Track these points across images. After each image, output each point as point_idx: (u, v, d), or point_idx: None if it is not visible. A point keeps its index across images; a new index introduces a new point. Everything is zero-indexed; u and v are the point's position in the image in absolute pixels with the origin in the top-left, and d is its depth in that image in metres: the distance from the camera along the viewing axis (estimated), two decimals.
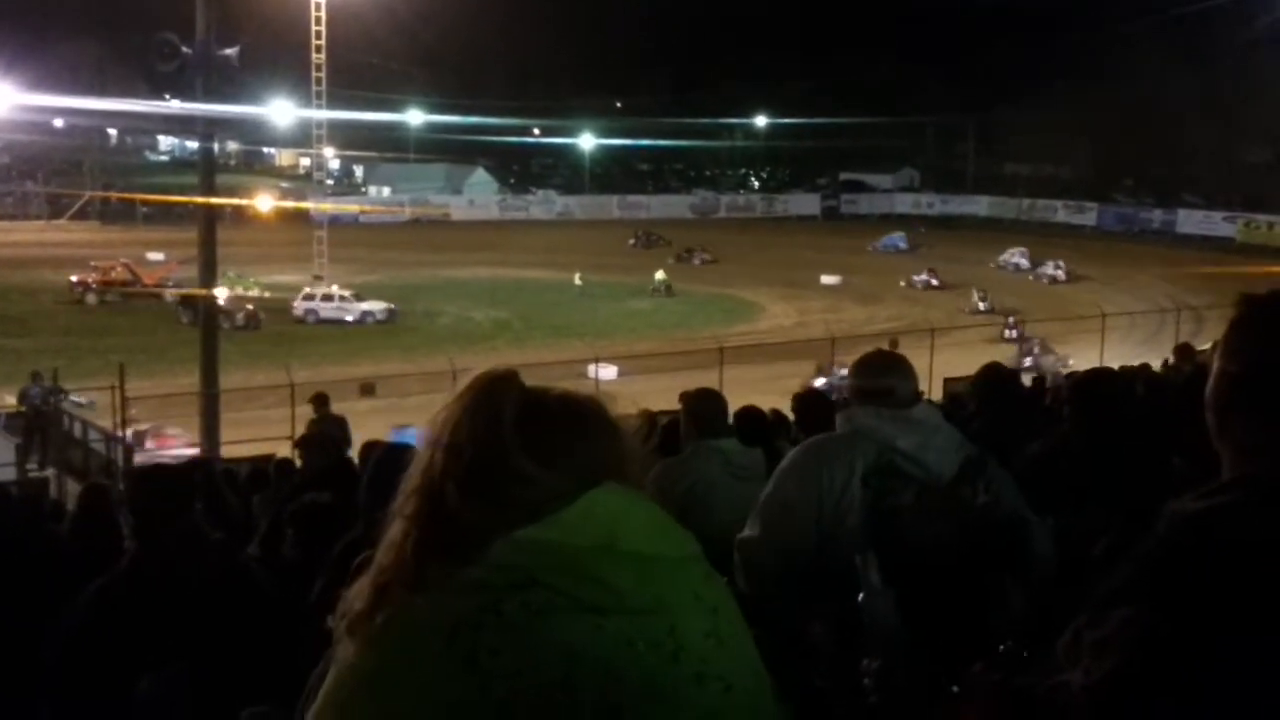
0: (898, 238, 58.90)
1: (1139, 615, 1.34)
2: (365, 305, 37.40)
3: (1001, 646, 2.21)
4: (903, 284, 44.16)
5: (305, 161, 64.41)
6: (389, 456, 3.76)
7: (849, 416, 2.90)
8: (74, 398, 19.78)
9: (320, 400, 12.90)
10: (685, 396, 4.69)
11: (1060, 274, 47.70)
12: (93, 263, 40.50)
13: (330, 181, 57.13)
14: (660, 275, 43.84)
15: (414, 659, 1.25)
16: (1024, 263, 50.68)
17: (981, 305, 38.56)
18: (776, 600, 2.68)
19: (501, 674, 1.20)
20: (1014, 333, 32.80)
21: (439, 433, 1.36)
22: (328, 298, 37.37)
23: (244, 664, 3.17)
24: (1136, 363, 13.17)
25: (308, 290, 37.94)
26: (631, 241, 56.88)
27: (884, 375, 2.97)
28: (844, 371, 24.39)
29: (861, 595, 2.09)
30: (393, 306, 37.74)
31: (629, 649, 1.23)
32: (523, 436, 1.33)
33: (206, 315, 20.45)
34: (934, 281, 44.13)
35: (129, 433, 18.66)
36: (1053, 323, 33.06)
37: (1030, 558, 2.78)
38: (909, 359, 3.27)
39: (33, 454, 18.05)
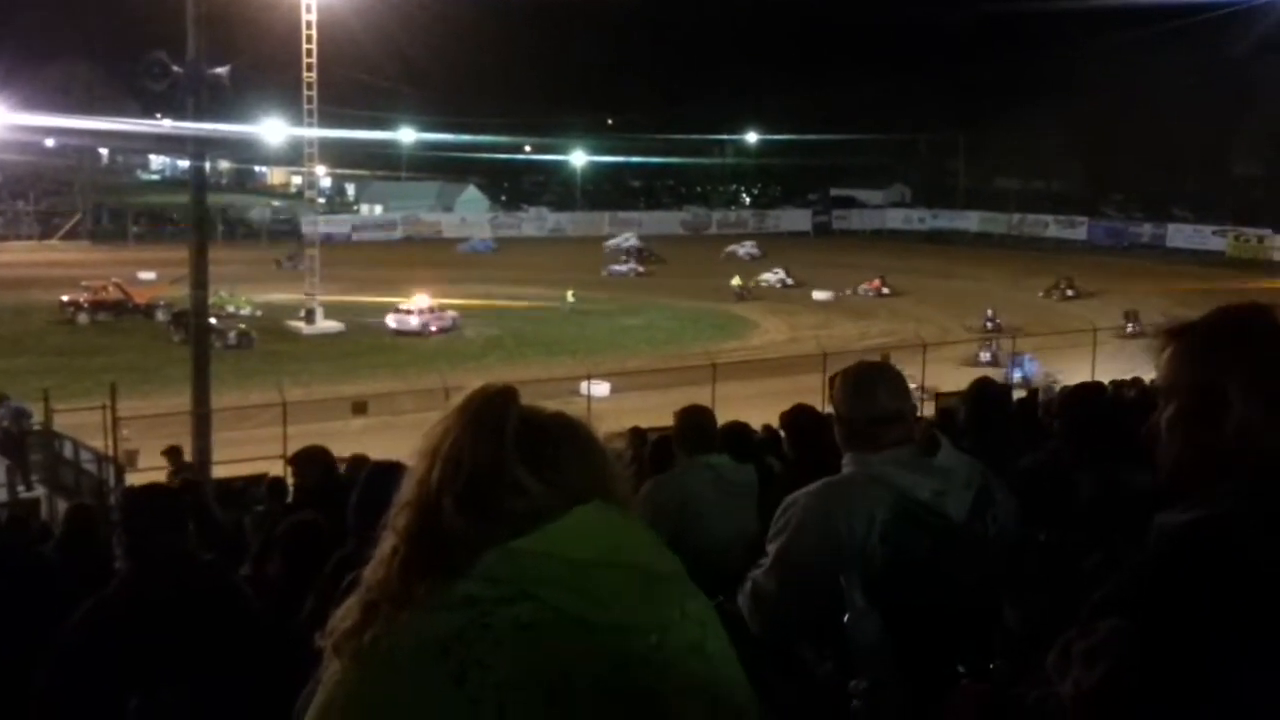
0: (488, 241, 59.82)
1: (1128, 624, 1.36)
2: (452, 312, 39.16)
3: (992, 664, 2.21)
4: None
5: (297, 180, 64.35)
6: (378, 472, 3.77)
7: (863, 461, 2.68)
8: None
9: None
10: (677, 413, 4.70)
11: (755, 251, 56.46)
12: (84, 282, 40.47)
13: (322, 200, 57.04)
14: (737, 280, 46.56)
15: (403, 676, 1.25)
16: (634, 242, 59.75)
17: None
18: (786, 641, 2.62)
19: (491, 689, 1.21)
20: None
21: (436, 445, 1.37)
22: (428, 310, 38.47)
23: (235, 684, 3.17)
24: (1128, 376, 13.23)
25: (405, 305, 38.62)
26: (623, 257, 56.97)
27: (880, 397, 2.72)
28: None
29: (847, 616, 2.08)
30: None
31: (617, 661, 1.24)
32: (521, 450, 1.35)
33: (198, 334, 20.42)
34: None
35: (121, 453, 18.60)
36: (1041, 336, 33.14)
37: (1024, 576, 2.75)
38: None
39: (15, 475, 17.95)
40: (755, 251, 57.71)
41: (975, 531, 2.63)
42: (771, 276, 49.91)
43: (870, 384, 2.77)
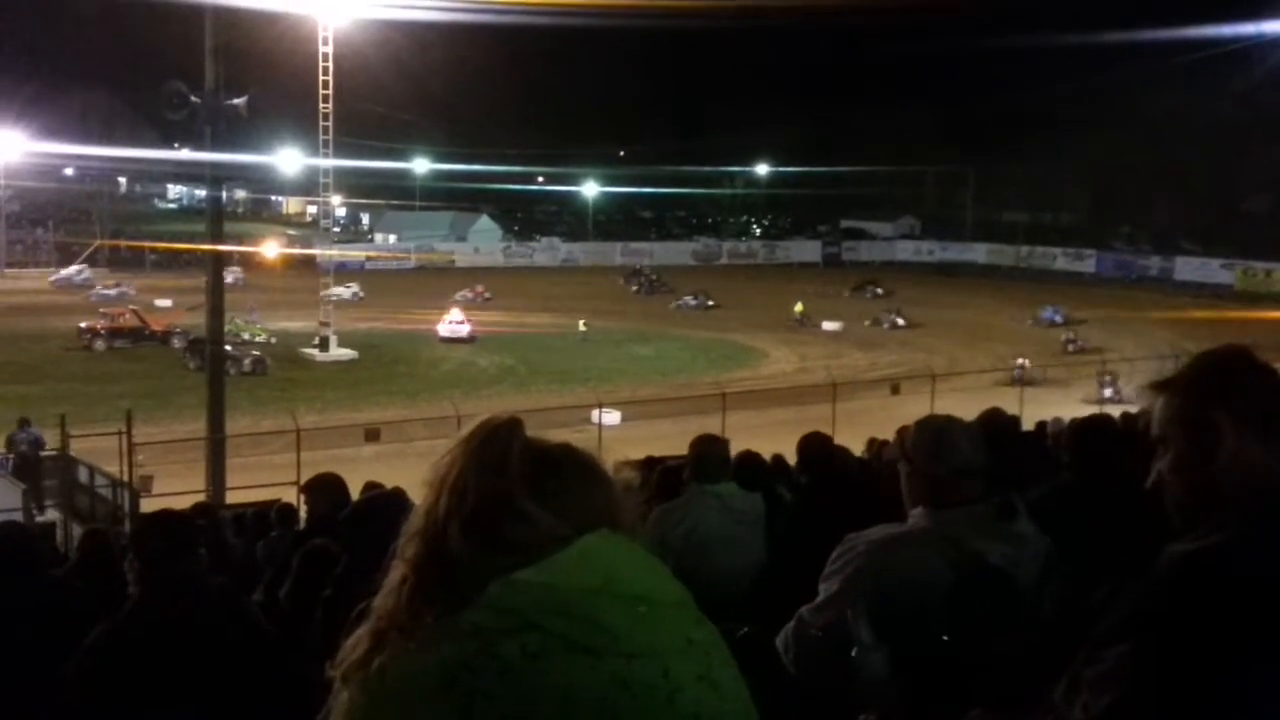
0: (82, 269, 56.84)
1: (1136, 650, 1.38)
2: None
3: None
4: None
5: (312, 209, 64.79)
6: (370, 501, 3.80)
7: (936, 517, 2.57)
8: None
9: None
10: (692, 443, 4.72)
11: (361, 293, 52.41)
12: (101, 309, 40.71)
13: (337, 229, 57.36)
14: (799, 307, 47.25)
15: (411, 705, 1.26)
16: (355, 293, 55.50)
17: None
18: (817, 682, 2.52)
19: (498, 718, 1.22)
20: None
21: (443, 475, 1.39)
22: (468, 321, 41.90)
23: (247, 709, 3.18)
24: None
25: (453, 317, 41.86)
26: (634, 288, 57.15)
27: (963, 448, 2.64)
28: None
29: (855, 650, 2.08)
30: None
31: (624, 691, 1.24)
32: (526, 480, 1.36)
33: (213, 361, 20.53)
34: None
35: (136, 478, 18.65)
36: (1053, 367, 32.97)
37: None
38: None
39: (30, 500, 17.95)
40: (361, 294, 52.64)
41: (1039, 605, 2.54)
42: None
43: (953, 436, 2.69)
